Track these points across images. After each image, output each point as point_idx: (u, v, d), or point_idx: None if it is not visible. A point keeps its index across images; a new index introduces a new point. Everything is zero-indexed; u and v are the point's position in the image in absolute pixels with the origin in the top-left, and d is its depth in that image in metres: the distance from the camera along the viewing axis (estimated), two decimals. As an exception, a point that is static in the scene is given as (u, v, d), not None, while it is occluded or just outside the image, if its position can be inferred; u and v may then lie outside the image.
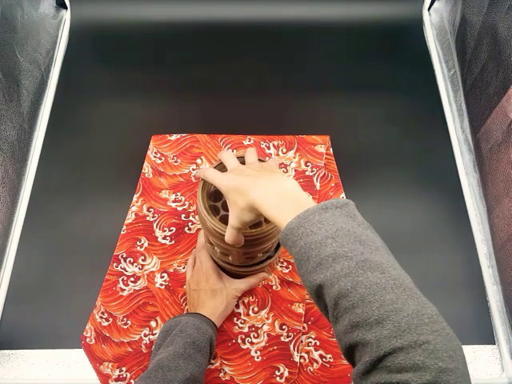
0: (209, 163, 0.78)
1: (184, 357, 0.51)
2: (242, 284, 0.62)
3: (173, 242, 0.71)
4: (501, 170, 0.67)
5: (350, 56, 0.92)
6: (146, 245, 0.71)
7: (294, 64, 0.90)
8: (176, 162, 0.78)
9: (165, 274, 0.69)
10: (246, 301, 0.67)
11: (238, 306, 0.66)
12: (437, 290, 0.66)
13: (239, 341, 0.64)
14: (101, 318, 0.65)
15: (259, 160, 0.50)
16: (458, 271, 0.71)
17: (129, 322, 0.65)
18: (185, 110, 0.84)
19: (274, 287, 0.68)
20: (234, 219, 0.44)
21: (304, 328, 0.65)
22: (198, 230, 0.72)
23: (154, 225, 0.72)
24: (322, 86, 0.87)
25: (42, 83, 0.85)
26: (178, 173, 0.77)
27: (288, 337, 0.64)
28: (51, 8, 0.92)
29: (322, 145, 0.79)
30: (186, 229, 0.72)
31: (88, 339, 0.64)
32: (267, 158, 0.57)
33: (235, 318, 0.65)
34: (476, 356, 0.65)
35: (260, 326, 0.65)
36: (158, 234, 0.71)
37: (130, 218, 0.73)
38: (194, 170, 0.77)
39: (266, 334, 0.65)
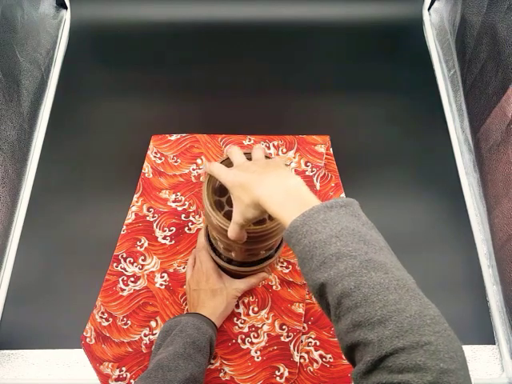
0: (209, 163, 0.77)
1: (184, 357, 0.51)
2: (242, 284, 0.62)
3: (173, 242, 0.71)
4: (500, 170, 0.67)
5: (350, 56, 0.92)
6: (146, 245, 0.71)
7: (294, 64, 0.90)
8: (176, 161, 0.78)
9: (165, 274, 0.69)
10: (246, 301, 0.67)
11: (238, 306, 0.66)
12: (437, 290, 0.66)
13: (239, 341, 0.64)
14: (101, 317, 0.65)
15: (266, 157, 0.49)
16: (458, 271, 0.71)
17: (129, 322, 0.65)
18: (185, 110, 0.84)
19: (274, 287, 0.68)
20: (237, 215, 0.44)
21: (304, 328, 0.65)
22: (198, 230, 0.72)
23: (154, 225, 0.72)
24: (322, 85, 0.87)
25: (42, 83, 0.85)
26: (178, 173, 0.77)
27: (288, 337, 0.64)
28: (51, 8, 0.92)
29: (321, 145, 0.79)
30: (186, 229, 0.72)
31: (88, 339, 0.64)
32: (274, 156, 0.57)
33: (235, 318, 0.65)
34: (476, 356, 0.65)
35: (260, 326, 0.65)
36: (158, 233, 0.71)
37: (130, 217, 0.73)
38: (193, 169, 0.77)
39: (266, 334, 0.65)
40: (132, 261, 0.69)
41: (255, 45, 0.92)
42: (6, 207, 0.70)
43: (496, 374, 0.64)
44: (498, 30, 0.70)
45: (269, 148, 0.79)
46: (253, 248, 0.54)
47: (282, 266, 0.69)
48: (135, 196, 0.74)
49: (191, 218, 0.73)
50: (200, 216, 0.73)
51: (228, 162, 0.51)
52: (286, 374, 0.62)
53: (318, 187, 0.75)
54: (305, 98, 0.86)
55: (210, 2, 0.94)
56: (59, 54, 0.91)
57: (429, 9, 0.97)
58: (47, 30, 0.89)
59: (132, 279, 0.68)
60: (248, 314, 0.66)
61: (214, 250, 0.62)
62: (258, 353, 0.63)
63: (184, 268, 0.69)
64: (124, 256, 0.70)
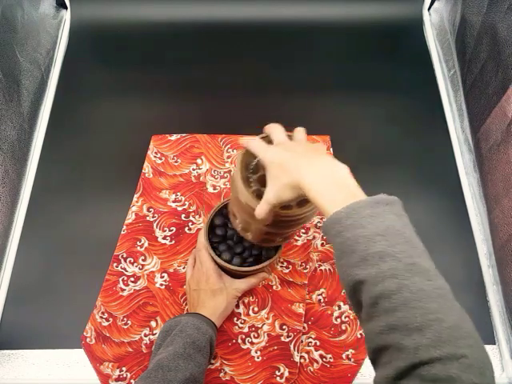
0: (209, 163, 0.78)
1: (184, 357, 0.51)
2: (242, 284, 0.62)
3: (173, 242, 0.71)
4: (500, 170, 0.67)
5: (350, 56, 0.92)
6: (146, 245, 0.71)
7: (294, 64, 0.90)
8: (176, 162, 0.78)
9: (165, 274, 0.68)
10: (246, 301, 0.67)
11: (238, 306, 0.66)
12: (437, 290, 0.66)
13: (239, 341, 0.64)
14: (101, 317, 0.65)
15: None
16: (458, 271, 0.71)
17: (129, 321, 0.65)
18: (185, 110, 0.84)
19: (274, 287, 0.68)
20: (271, 194, 0.43)
21: (304, 328, 0.65)
22: (198, 230, 0.72)
23: (154, 225, 0.72)
24: (322, 85, 0.87)
25: (42, 83, 0.85)
26: (178, 173, 0.77)
27: (288, 337, 0.64)
28: (51, 8, 0.92)
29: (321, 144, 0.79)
30: (186, 229, 0.72)
31: (88, 339, 0.64)
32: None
33: (235, 318, 0.65)
34: (476, 356, 0.65)
35: (260, 325, 0.65)
36: (158, 233, 0.71)
37: (130, 217, 0.73)
38: (194, 169, 0.77)
39: (266, 334, 0.65)
40: (132, 261, 0.69)
41: (255, 45, 0.92)
42: (6, 207, 0.70)
43: (496, 374, 0.64)
44: (498, 30, 0.70)
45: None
46: (272, 232, 0.52)
47: (282, 266, 0.69)
48: (135, 196, 0.74)
49: (191, 217, 0.73)
50: (200, 216, 0.73)
51: (267, 141, 0.49)
52: (286, 374, 0.62)
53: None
54: (305, 97, 0.86)
55: (209, 2, 0.94)
56: (59, 54, 0.91)
57: (429, 9, 0.97)
58: (47, 30, 0.89)
59: (132, 279, 0.68)
60: (248, 314, 0.66)
61: (214, 249, 0.62)
62: (258, 353, 0.63)
63: (184, 268, 0.69)
64: (124, 256, 0.70)
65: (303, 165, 0.40)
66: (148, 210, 0.73)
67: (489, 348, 0.66)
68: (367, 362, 0.63)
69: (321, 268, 0.69)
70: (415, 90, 0.87)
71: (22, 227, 0.73)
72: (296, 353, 0.63)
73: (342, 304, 0.67)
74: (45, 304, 0.67)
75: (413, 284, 0.32)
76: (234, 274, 0.63)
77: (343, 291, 0.67)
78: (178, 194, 0.75)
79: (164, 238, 0.71)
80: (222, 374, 0.62)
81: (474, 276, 0.71)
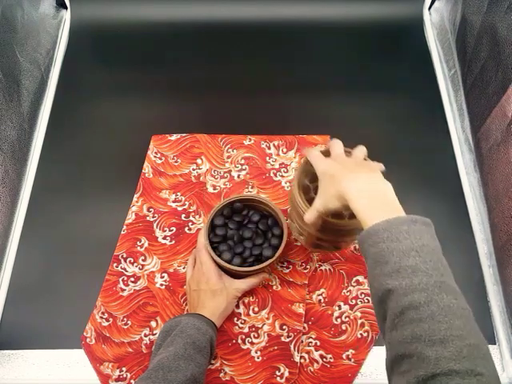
0: (209, 163, 0.78)
1: (184, 357, 0.51)
2: (242, 284, 0.62)
3: (173, 242, 0.71)
4: (501, 170, 0.67)
5: (350, 56, 0.92)
6: (146, 245, 0.71)
7: (294, 64, 0.90)
8: (176, 162, 0.78)
9: (165, 274, 0.68)
10: (246, 301, 0.67)
11: (238, 306, 0.66)
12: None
13: (239, 341, 0.64)
14: (101, 318, 0.65)
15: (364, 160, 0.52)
16: (458, 271, 0.70)
17: (129, 322, 0.65)
18: (185, 110, 0.84)
19: (274, 287, 0.68)
20: (319, 202, 0.47)
21: (304, 328, 0.65)
22: (198, 230, 0.72)
23: (154, 225, 0.72)
24: (322, 85, 0.87)
25: (42, 83, 0.85)
26: (178, 173, 0.77)
27: (288, 337, 0.64)
28: (51, 8, 0.92)
29: (322, 145, 0.79)
30: (186, 229, 0.72)
31: (88, 339, 0.64)
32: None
33: (235, 318, 0.65)
34: (476, 356, 0.65)
35: (260, 326, 0.65)
36: (158, 233, 0.71)
37: (130, 217, 0.73)
38: (194, 169, 0.77)
39: (266, 334, 0.64)
40: (132, 261, 0.69)
41: (255, 45, 0.92)
42: (6, 207, 0.70)
43: (496, 374, 0.64)
44: (498, 30, 0.70)
45: (269, 148, 0.79)
46: (323, 238, 0.57)
47: (282, 266, 0.69)
48: (135, 196, 0.74)
49: (191, 217, 0.73)
50: (200, 216, 0.73)
51: (327, 154, 0.53)
52: (287, 374, 0.62)
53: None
54: (305, 98, 0.86)
55: (209, 2, 0.94)
56: (59, 54, 0.91)
57: (429, 8, 0.97)
58: (47, 30, 0.89)
59: (132, 279, 0.68)
60: (248, 314, 0.66)
61: (215, 249, 0.62)
62: (259, 353, 0.63)
63: (184, 268, 0.69)
64: (124, 256, 0.70)
65: (350, 178, 0.44)
66: (148, 210, 0.73)
67: (489, 348, 0.65)
68: (367, 362, 0.63)
69: (321, 268, 0.69)
70: (415, 90, 0.87)
71: (21, 227, 0.73)
72: (296, 353, 0.63)
73: (342, 304, 0.67)
74: (45, 304, 0.67)
75: (441, 300, 0.34)
76: (234, 274, 0.63)
77: (343, 291, 0.67)
78: (178, 193, 0.75)
79: (164, 238, 0.71)
80: (222, 374, 0.62)
81: (474, 276, 0.70)
